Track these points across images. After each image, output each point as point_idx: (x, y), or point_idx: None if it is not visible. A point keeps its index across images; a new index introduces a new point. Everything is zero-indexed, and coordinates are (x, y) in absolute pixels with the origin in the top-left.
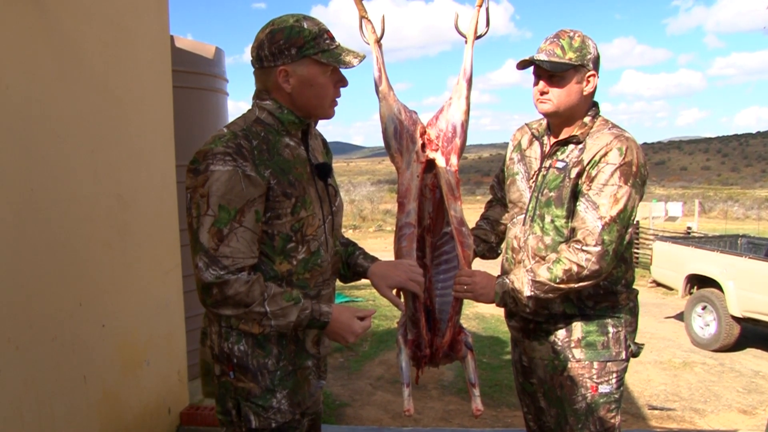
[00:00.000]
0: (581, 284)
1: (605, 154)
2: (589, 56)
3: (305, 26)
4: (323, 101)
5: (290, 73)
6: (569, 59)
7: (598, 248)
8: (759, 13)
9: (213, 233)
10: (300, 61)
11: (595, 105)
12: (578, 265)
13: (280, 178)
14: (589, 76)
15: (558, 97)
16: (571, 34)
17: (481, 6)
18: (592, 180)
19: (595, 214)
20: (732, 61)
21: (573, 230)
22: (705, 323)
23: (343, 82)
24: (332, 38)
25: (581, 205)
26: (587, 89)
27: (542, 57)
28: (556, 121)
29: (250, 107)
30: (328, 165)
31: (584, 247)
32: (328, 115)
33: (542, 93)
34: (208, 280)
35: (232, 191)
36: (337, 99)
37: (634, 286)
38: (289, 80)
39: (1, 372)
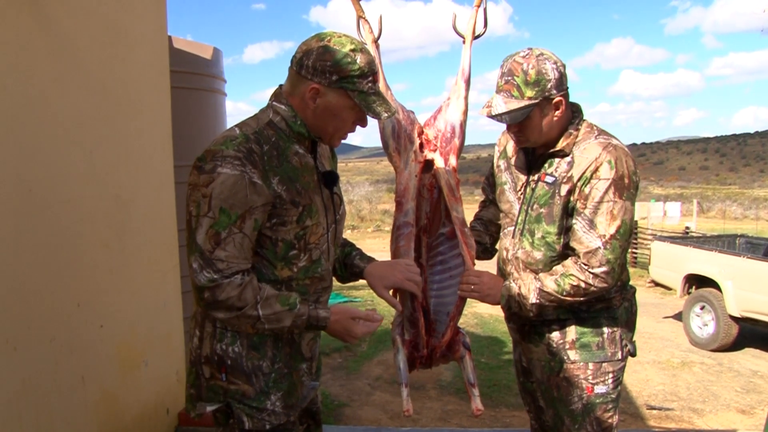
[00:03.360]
0: (587, 297)
1: (596, 170)
2: (549, 84)
3: (357, 61)
4: (338, 132)
5: (321, 94)
6: (528, 98)
7: (604, 268)
8: (756, 14)
9: (210, 235)
10: (335, 88)
11: (577, 109)
12: (586, 283)
13: (288, 185)
14: (556, 103)
15: (531, 134)
16: (525, 66)
17: (479, 6)
18: (586, 198)
19: (594, 234)
20: (730, 61)
21: (571, 249)
22: (703, 323)
23: (363, 123)
24: (375, 81)
25: (578, 224)
26: (557, 114)
27: (500, 107)
28: (537, 145)
29: (263, 107)
30: (335, 174)
31: (590, 269)
32: (334, 145)
33: (516, 134)
34: (201, 283)
35: (235, 196)
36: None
37: (632, 285)
38: (316, 99)
39: None
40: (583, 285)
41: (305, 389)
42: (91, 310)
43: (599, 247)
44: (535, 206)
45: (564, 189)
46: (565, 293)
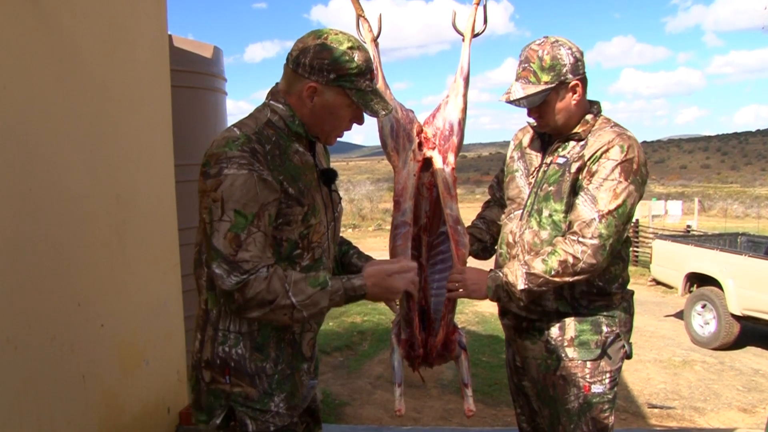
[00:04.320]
0: (576, 278)
1: (607, 151)
2: (565, 69)
3: (355, 59)
4: (335, 130)
5: (318, 92)
6: (545, 83)
7: (595, 241)
8: (758, 11)
9: (230, 239)
10: (333, 87)
11: (596, 103)
12: (574, 257)
13: (291, 185)
14: (572, 87)
15: (549, 119)
16: (540, 52)
17: (478, 4)
18: (592, 175)
19: (592, 207)
20: (731, 60)
21: (570, 222)
22: (705, 321)
23: (360, 121)
24: (373, 78)
25: (580, 198)
26: (575, 98)
27: (518, 92)
28: (557, 131)
29: (259, 106)
30: (334, 171)
31: (581, 239)
32: (330, 143)
33: (536, 120)
34: (230, 287)
35: (247, 195)
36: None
37: (631, 286)
38: (313, 98)
39: None
40: (571, 260)
41: (305, 389)
42: (92, 309)
43: (594, 219)
44: (544, 186)
45: (574, 167)
46: (553, 272)
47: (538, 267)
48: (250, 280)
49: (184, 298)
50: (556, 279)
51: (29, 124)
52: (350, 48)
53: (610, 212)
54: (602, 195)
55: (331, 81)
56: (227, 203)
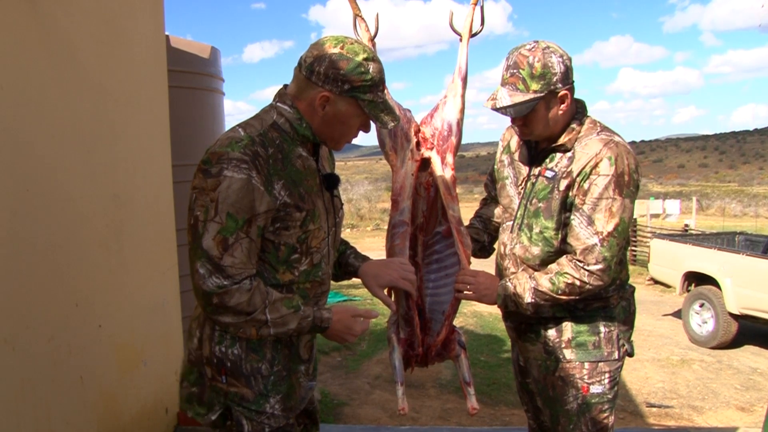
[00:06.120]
0: (583, 296)
1: (596, 165)
2: (555, 78)
3: (370, 70)
4: (343, 137)
5: (331, 101)
6: (534, 91)
7: (600, 266)
8: (755, 10)
9: (218, 241)
10: (346, 97)
11: (581, 106)
12: (581, 281)
13: (291, 190)
14: (561, 96)
15: (536, 128)
16: (531, 59)
17: (475, 4)
18: (585, 194)
19: (591, 230)
20: (728, 59)
21: (568, 245)
22: (703, 320)
23: (367, 129)
24: (384, 90)
25: (575, 220)
26: (563, 107)
27: (505, 100)
28: (542, 139)
29: (265, 107)
30: (336, 177)
31: (586, 266)
32: (337, 149)
33: (520, 127)
34: (210, 289)
35: (242, 201)
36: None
37: (631, 284)
38: (325, 107)
39: None
40: (578, 283)
41: (303, 390)
42: (90, 309)
43: (596, 244)
44: (533, 201)
45: (563, 184)
46: (560, 292)
47: (545, 285)
48: (233, 289)
49: (182, 299)
50: (563, 297)
51: (26, 125)
52: (365, 59)
53: (609, 234)
54: (598, 216)
55: (344, 92)
56: (221, 205)
